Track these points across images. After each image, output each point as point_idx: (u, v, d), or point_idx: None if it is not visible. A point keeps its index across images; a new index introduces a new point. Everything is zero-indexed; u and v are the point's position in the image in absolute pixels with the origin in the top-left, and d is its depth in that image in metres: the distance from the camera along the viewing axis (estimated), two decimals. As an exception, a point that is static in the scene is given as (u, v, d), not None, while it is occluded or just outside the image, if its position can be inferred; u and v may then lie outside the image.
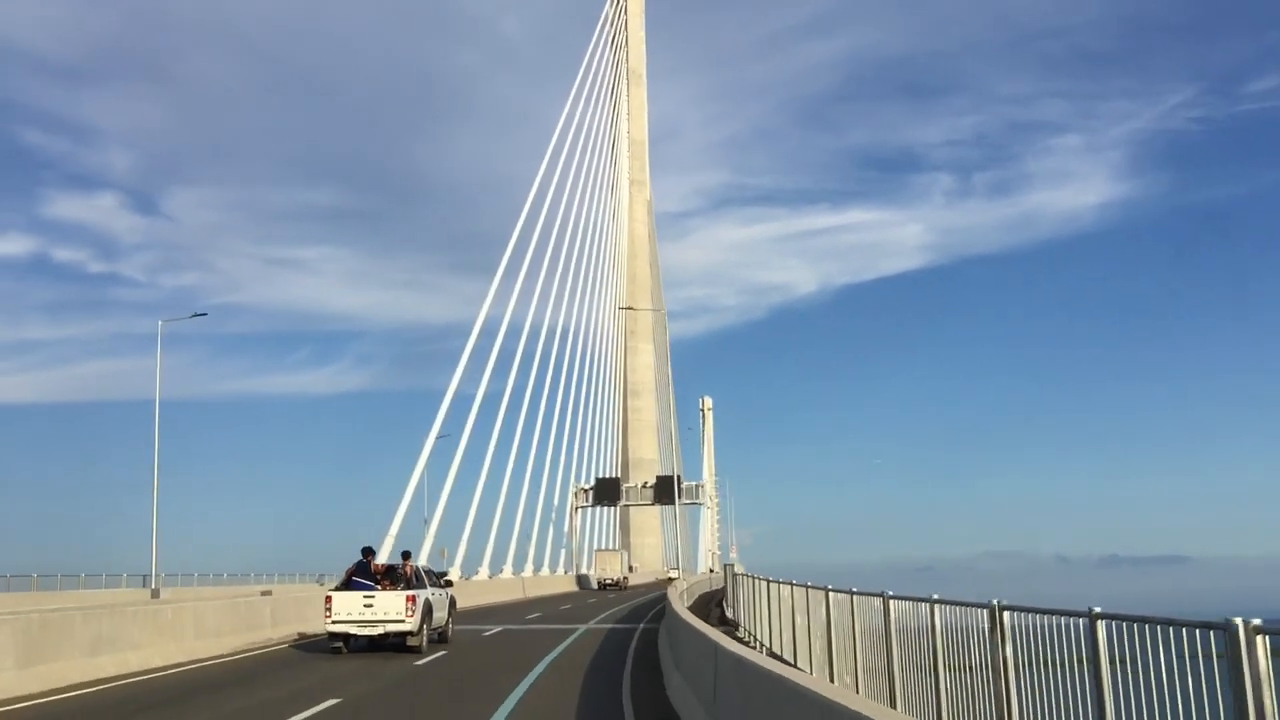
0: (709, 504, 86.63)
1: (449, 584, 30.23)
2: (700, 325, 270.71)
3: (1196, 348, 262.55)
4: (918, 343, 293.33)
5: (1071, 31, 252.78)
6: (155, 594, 46.25)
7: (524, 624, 37.42)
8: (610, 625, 36.92)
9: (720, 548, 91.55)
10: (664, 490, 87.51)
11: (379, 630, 24.75)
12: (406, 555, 29.51)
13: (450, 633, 28.59)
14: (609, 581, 78.49)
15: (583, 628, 35.17)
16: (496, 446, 66.66)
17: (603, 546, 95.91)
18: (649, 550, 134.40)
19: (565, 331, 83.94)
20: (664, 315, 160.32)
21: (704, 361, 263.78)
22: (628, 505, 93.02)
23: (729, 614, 37.63)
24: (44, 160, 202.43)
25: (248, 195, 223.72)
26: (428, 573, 28.47)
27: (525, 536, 74.16)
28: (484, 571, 64.96)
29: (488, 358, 64.71)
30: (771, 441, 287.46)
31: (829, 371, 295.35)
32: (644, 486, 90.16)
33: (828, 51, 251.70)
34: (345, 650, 24.88)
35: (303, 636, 29.02)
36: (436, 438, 58.40)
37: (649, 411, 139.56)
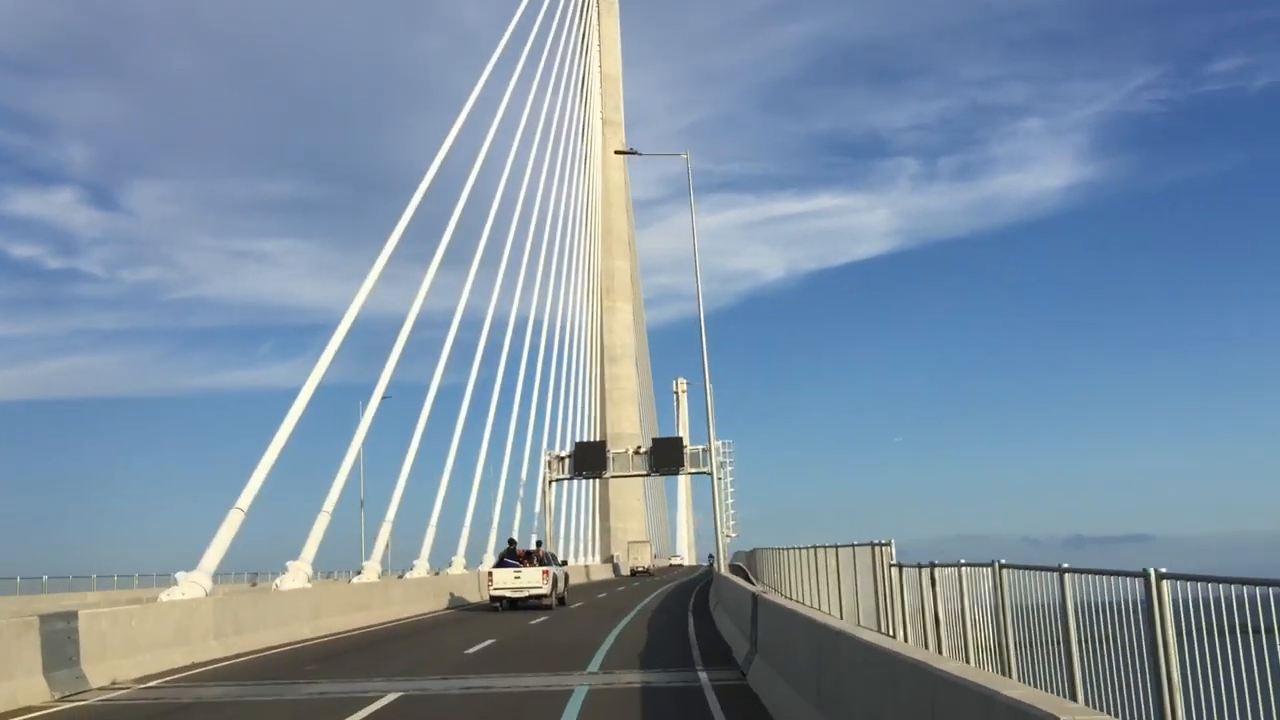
0: (718, 473, 68.12)
1: (564, 564, 46.56)
2: (671, 312, 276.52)
3: (1159, 327, 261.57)
4: (885, 328, 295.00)
5: (1035, 14, 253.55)
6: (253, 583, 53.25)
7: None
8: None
9: (729, 528, 72.99)
10: (665, 455, 70.44)
11: (525, 594, 38.06)
12: (539, 544, 48.41)
13: (566, 597, 42.28)
14: (640, 569, 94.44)
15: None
16: (465, 427, 51.78)
17: (513, 538, 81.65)
18: (632, 537, 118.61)
19: (535, 290, 68.37)
20: (640, 294, 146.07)
21: (677, 349, 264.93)
22: (616, 476, 75.69)
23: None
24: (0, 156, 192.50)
25: (208, 188, 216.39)
26: (550, 556, 42.45)
27: (486, 521, 58.03)
28: (450, 564, 48.96)
29: (451, 318, 51.86)
30: (741, 428, 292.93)
31: (797, 358, 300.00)
32: (637, 452, 72.98)
33: (793, 36, 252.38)
34: (500, 609, 37.62)
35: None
36: (381, 398, 50.09)
37: (629, 379, 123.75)
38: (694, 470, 69.87)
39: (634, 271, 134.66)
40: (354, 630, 30.90)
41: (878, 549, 18.23)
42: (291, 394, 36.45)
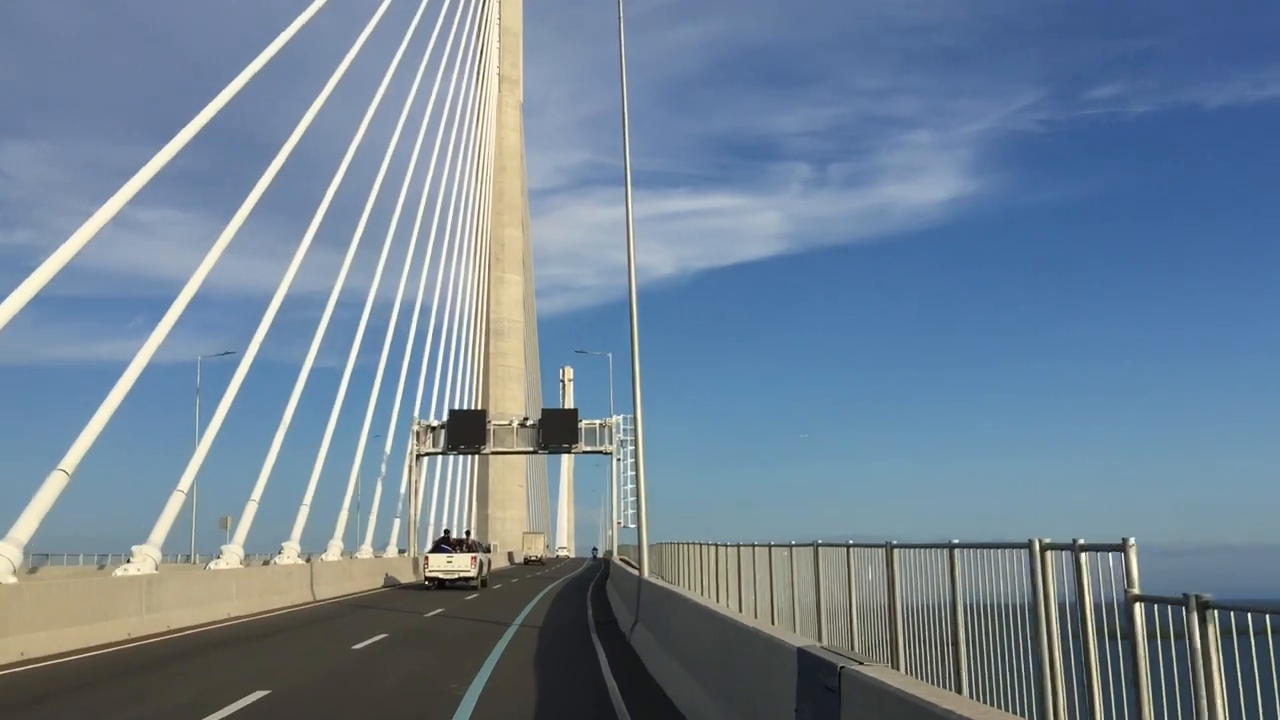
0: (618, 452, 59.82)
1: (489, 550, 52.65)
2: (560, 303, 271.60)
3: (1031, 341, 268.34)
4: (771, 330, 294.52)
5: (930, 30, 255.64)
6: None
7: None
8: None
9: (628, 517, 63.73)
10: (557, 430, 60.45)
11: (455, 577, 43.47)
12: (468, 533, 59.63)
13: (488, 580, 47.56)
14: (533, 558, 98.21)
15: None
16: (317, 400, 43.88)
17: (462, 528, 76.13)
18: (511, 526, 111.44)
19: (411, 248, 60.26)
20: (531, 267, 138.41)
21: (565, 340, 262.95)
22: (498, 452, 65.49)
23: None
24: None
25: (88, 152, 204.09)
26: (478, 544, 48.40)
27: (335, 503, 50.08)
28: (291, 551, 41.05)
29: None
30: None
31: (688, 357, 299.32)
32: (523, 425, 61.94)
33: (694, 35, 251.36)
34: (435, 588, 42.78)
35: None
36: (219, 354, 44.49)
37: (516, 357, 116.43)
38: (589, 449, 60.56)
39: (527, 243, 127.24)
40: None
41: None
42: (164, 368, 28.83)
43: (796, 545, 14.47)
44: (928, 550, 9.15)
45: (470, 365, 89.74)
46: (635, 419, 22.45)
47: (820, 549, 12.93)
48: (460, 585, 43.28)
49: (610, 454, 59.62)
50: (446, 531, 51.84)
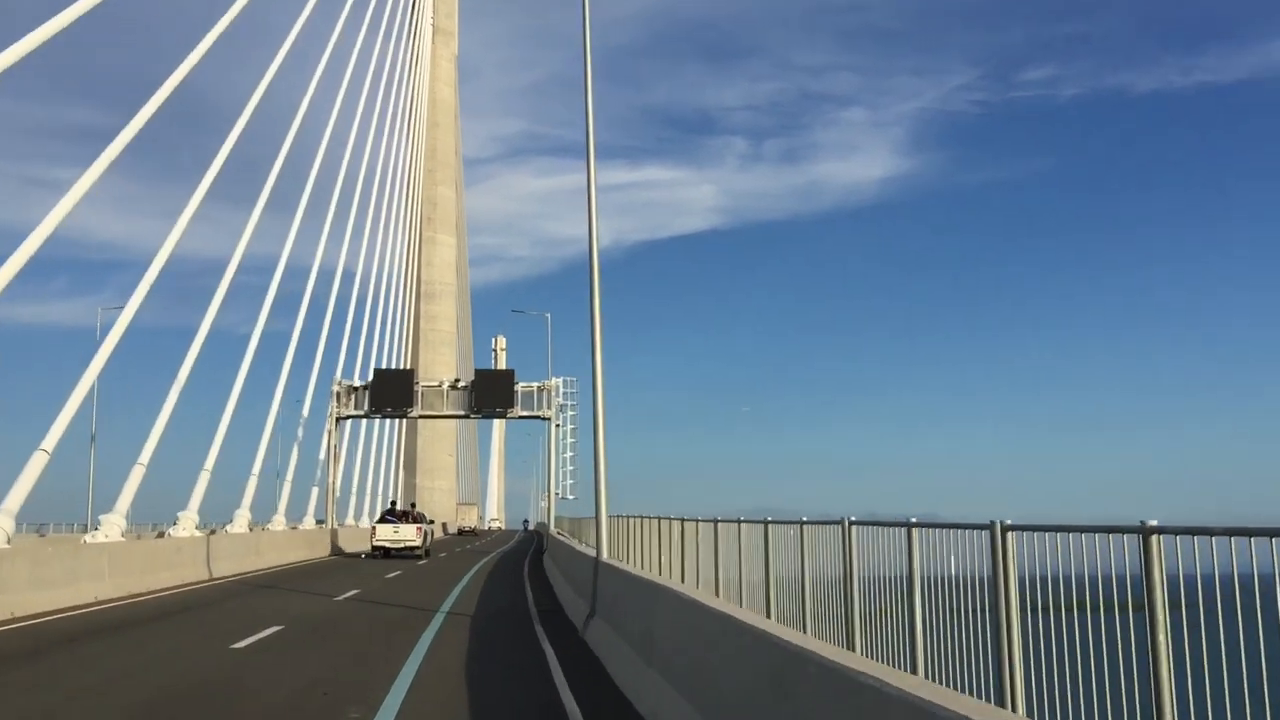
0: (557, 418, 54.85)
1: (432, 522, 53.43)
2: (494, 273, 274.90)
3: (958, 323, 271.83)
4: (708, 303, 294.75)
5: (867, 8, 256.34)
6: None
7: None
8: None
9: (566, 488, 58.73)
10: (491, 392, 55.15)
11: (401, 546, 45.02)
12: (413, 505, 54.99)
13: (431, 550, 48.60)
14: (467, 529, 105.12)
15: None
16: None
17: (388, 498, 71.40)
18: (440, 497, 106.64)
19: (334, 201, 55.28)
20: (464, 229, 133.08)
21: (498, 311, 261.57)
22: (427, 416, 59.92)
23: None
24: None
25: (6, 107, 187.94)
26: (422, 515, 49.35)
27: (244, 469, 45.02)
28: (186, 522, 36.14)
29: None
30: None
31: (620, 327, 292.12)
32: (455, 386, 56.51)
33: (634, 6, 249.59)
34: (382, 557, 43.95)
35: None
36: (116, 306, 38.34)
37: (447, 321, 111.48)
38: (526, 414, 55.24)
39: (460, 204, 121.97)
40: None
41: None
42: (79, 333, 24.20)
43: (745, 521, 13.01)
44: (886, 529, 8.65)
45: (399, 328, 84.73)
46: (594, 368, 18.14)
47: (770, 526, 11.79)
48: (406, 554, 45.14)
49: (549, 419, 54.80)
50: (393, 503, 55.10)
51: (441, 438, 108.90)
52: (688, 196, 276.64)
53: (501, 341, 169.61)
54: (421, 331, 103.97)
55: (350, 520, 66.48)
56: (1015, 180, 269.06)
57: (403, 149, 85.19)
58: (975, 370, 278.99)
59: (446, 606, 22.63)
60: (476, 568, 39.19)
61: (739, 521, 12.93)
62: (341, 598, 24.77)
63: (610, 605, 15.67)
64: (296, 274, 51.29)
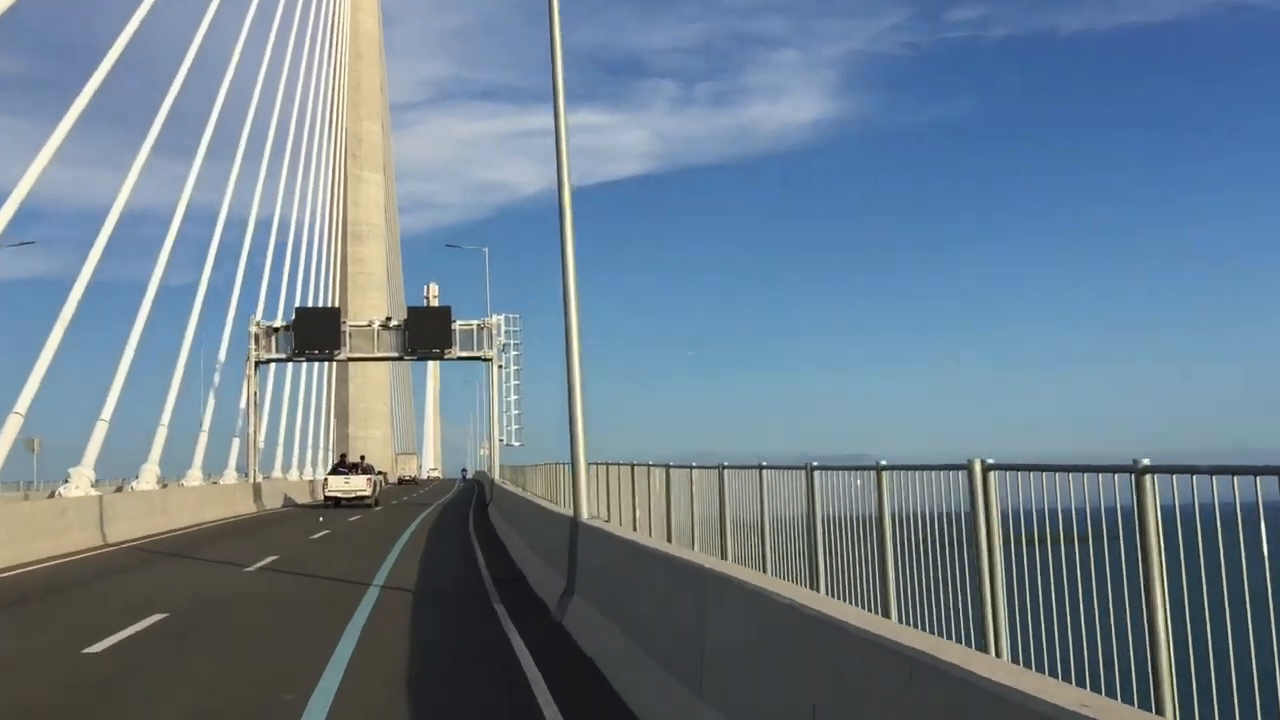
0: (499, 359, 49.78)
1: (381, 473, 62.20)
2: (425, 221, 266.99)
3: (883, 267, 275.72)
4: (643, 247, 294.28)
5: None
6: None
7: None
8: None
9: (512, 434, 53.48)
10: (426, 332, 49.80)
11: (353, 496, 46.17)
12: (363, 458, 54.37)
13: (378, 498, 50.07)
14: (408, 478, 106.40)
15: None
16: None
17: (319, 448, 73.04)
18: (375, 446, 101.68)
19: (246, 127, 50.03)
20: (392, 166, 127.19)
21: (430, 259, 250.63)
22: (356, 359, 54.09)
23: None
24: None
25: None
26: (370, 467, 50.99)
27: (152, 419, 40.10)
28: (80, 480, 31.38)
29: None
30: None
31: (550, 273, 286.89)
32: (386, 326, 51.34)
33: None
34: (335, 506, 44.87)
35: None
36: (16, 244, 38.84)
37: (377, 263, 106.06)
38: (466, 354, 50.52)
39: (387, 141, 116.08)
40: None
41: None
42: None
43: (697, 466, 12.51)
44: (849, 472, 8.32)
45: (326, 271, 79.41)
46: (565, 281, 13.85)
47: (726, 471, 11.14)
48: (357, 504, 46.09)
49: (490, 360, 50.04)
50: (343, 455, 57.51)
51: (374, 385, 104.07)
52: (620, 140, 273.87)
53: (434, 289, 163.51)
54: (350, 275, 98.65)
55: (278, 473, 61.97)
56: (946, 121, 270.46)
57: (323, 79, 79.45)
58: (910, 309, 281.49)
59: (381, 579, 18.43)
60: (416, 522, 34.97)
61: (689, 467, 12.33)
62: (254, 568, 20.49)
63: (599, 582, 11.67)
64: (204, 217, 46.57)
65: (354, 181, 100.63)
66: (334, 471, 48.84)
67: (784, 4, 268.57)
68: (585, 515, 13.35)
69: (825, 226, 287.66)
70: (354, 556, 22.90)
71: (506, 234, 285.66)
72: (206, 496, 38.68)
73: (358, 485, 46.55)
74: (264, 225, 55.56)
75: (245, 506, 42.26)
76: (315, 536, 28.89)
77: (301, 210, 70.05)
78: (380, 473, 54.56)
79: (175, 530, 31.60)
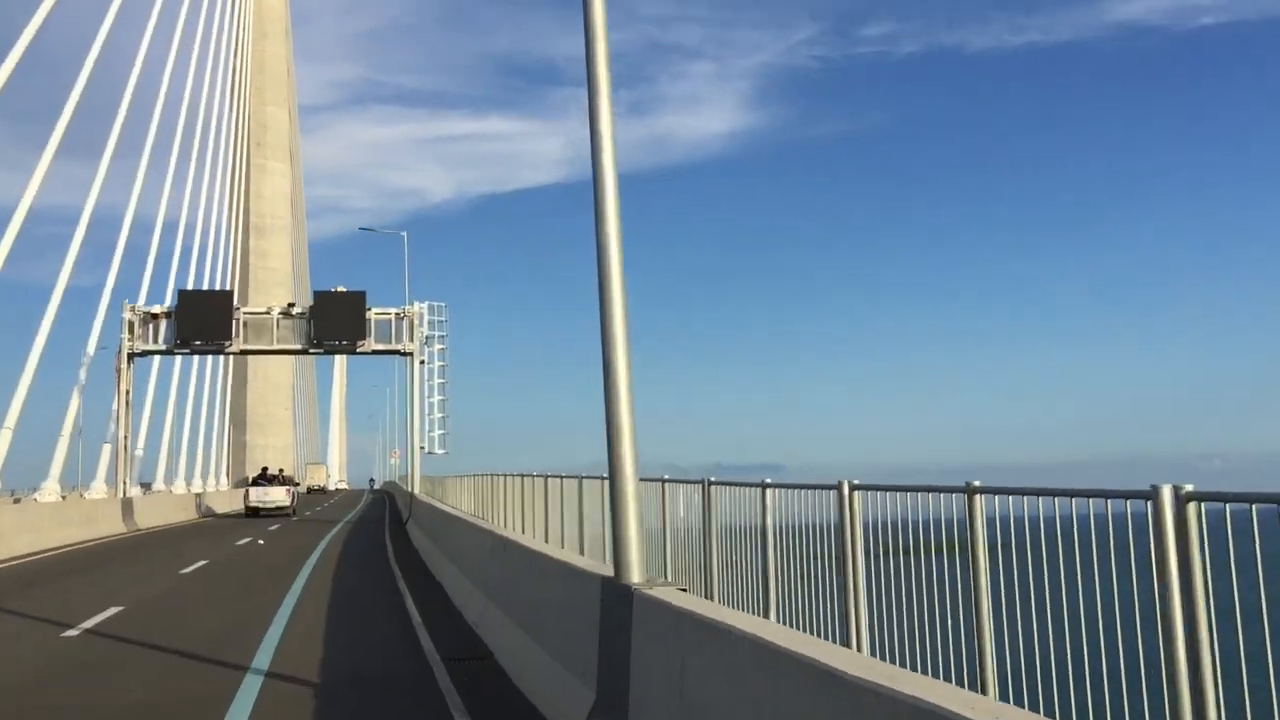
0: (420, 353, 42.34)
1: (298, 484, 69.58)
2: (331, 226, 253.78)
3: (797, 275, 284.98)
4: (558, 256, 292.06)
5: None
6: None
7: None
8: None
9: (436, 440, 46.44)
10: (336, 321, 42.71)
11: (273, 506, 48.46)
12: (281, 470, 63.29)
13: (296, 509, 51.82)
14: (317, 488, 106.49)
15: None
16: None
17: (210, 456, 64.83)
18: (274, 455, 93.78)
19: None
20: (299, 159, 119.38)
21: (338, 265, 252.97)
22: (252, 351, 46.04)
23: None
24: None
25: None
26: (289, 479, 56.06)
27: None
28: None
29: None
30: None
31: (460, 281, 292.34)
32: (289, 313, 43.45)
33: None
34: (255, 516, 47.21)
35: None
36: None
37: (281, 259, 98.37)
38: (382, 348, 43.49)
39: (294, 130, 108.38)
40: None
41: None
42: None
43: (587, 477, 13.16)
44: (742, 489, 8.86)
45: (224, 264, 71.83)
46: (606, 272, 8.39)
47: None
48: (276, 514, 48.34)
49: (410, 355, 43.14)
50: (264, 468, 59.28)
51: (276, 389, 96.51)
52: (534, 148, 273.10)
53: (343, 291, 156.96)
54: (251, 269, 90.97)
55: (161, 485, 54.62)
56: (856, 133, 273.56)
57: (222, 58, 71.97)
58: (823, 316, 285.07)
59: (266, 652, 12.09)
60: (320, 549, 28.13)
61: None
62: (75, 632, 13.96)
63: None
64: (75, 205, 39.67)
65: (258, 171, 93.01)
66: (254, 483, 52.63)
67: (698, 15, 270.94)
68: (637, 576, 7.30)
69: (740, 235, 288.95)
70: (232, 605, 16.51)
71: (418, 241, 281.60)
72: (57, 515, 31.55)
73: (277, 496, 49.35)
74: (146, 216, 48.87)
75: (110, 526, 35.16)
76: (186, 571, 22.25)
77: (198, 200, 62.73)
78: (298, 484, 60.41)
79: (14, 558, 24.79)
